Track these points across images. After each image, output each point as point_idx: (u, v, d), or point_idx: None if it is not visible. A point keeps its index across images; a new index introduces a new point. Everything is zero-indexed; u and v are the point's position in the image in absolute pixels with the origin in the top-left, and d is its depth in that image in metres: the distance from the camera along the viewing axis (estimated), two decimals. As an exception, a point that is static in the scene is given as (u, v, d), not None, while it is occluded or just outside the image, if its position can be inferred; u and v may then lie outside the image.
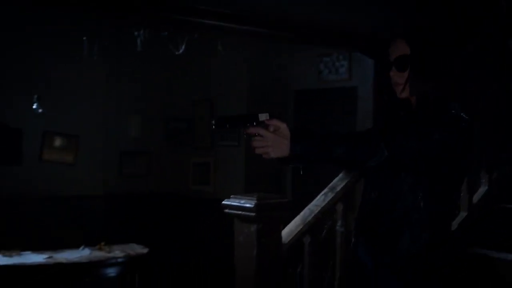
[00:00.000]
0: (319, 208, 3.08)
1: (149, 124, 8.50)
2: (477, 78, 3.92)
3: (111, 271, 5.39)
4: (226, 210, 2.86)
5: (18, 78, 7.38)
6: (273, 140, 2.18)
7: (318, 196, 3.15)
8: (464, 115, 2.36)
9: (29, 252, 5.49)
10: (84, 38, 5.17)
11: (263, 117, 2.20)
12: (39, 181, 7.68)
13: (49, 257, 5.30)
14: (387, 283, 2.42)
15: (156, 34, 5.49)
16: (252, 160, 7.24)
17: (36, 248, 5.65)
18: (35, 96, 6.51)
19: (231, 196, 2.86)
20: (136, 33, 5.19)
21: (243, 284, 2.83)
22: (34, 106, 6.49)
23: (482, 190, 3.90)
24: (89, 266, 5.28)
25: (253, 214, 2.75)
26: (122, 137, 8.43)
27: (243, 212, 2.78)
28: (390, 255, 2.39)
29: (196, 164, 8.18)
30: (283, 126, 2.20)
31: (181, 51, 5.28)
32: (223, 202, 2.87)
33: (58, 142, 7.91)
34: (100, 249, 5.64)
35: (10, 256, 5.26)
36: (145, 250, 5.76)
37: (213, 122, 2.21)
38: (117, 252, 5.59)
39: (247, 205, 2.75)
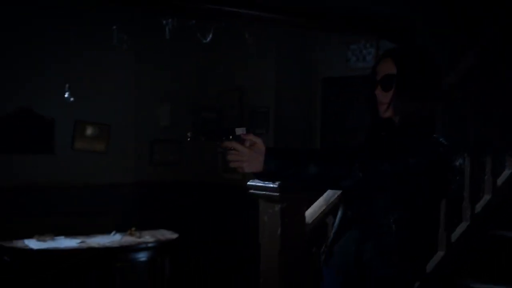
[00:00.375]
0: (342, 189, 3.14)
1: (178, 113, 8.61)
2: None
3: (142, 256, 5.51)
4: (251, 191, 2.93)
5: (51, 68, 7.54)
6: (248, 155, 2.21)
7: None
8: (443, 141, 2.38)
9: (62, 237, 5.63)
10: (114, 27, 5.26)
11: (239, 131, 2.23)
12: (71, 170, 7.85)
13: (81, 242, 5.43)
14: None
15: (184, 23, 5.57)
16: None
17: (69, 233, 5.80)
18: (67, 85, 6.64)
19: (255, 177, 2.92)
20: (164, 21, 5.28)
21: (268, 262, 2.91)
22: (66, 95, 6.62)
23: (506, 173, 3.91)
24: (120, 251, 5.40)
25: (277, 194, 2.81)
26: (153, 126, 8.55)
27: (267, 192, 2.85)
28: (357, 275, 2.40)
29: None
30: (259, 141, 2.23)
31: (208, 39, 5.36)
32: (248, 183, 2.94)
33: (89, 131, 8.06)
34: (130, 234, 5.75)
35: (44, 240, 5.40)
36: (175, 236, 5.87)
37: (189, 134, 2.28)
38: (147, 237, 5.70)
39: (271, 185, 2.82)
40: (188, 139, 2.28)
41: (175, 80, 8.42)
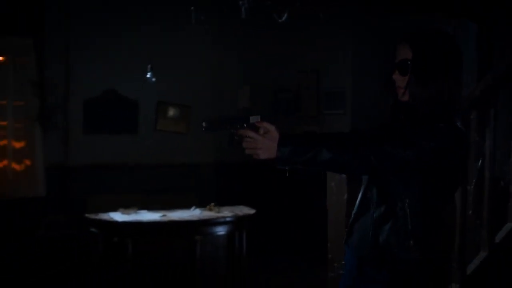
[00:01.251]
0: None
1: (257, 95, 8.77)
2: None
3: (220, 229, 5.70)
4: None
5: (134, 50, 7.85)
6: (262, 142, 2.28)
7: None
8: (460, 125, 2.36)
9: (145, 211, 5.89)
10: (192, 7, 5.45)
11: (254, 119, 2.31)
12: (154, 149, 8.16)
13: (163, 216, 5.67)
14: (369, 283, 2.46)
15: (260, 3, 5.69)
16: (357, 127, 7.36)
17: (152, 208, 6.06)
18: (149, 66, 6.90)
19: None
20: (240, 1, 5.42)
21: (334, 227, 3.02)
22: (148, 75, 6.88)
23: None
24: (199, 224, 5.61)
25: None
26: (232, 108, 8.76)
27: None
28: (372, 252, 2.43)
29: (304, 132, 8.36)
30: (272, 129, 2.30)
31: (283, 19, 5.47)
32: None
33: (171, 112, 8.34)
34: (210, 209, 5.96)
35: (128, 214, 5.68)
36: (252, 211, 6.03)
37: (204, 124, 2.33)
38: (226, 212, 5.89)
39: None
40: (203, 129, 2.33)
41: (253, 61, 8.59)
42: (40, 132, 7.54)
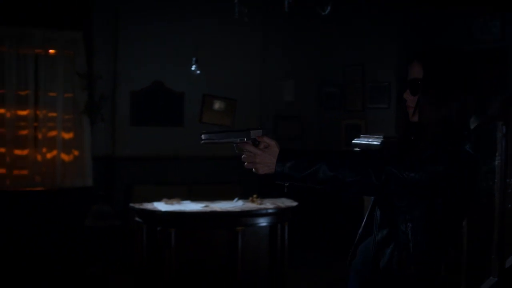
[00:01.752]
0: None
1: (302, 89, 8.79)
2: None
3: (262, 221, 5.74)
4: (356, 149, 3.06)
5: (180, 43, 7.96)
6: (261, 157, 2.29)
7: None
8: (470, 150, 2.26)
9: (188, 201, 5.98)
10: (235, 1, 5.49)
11: (255, 134, 2.30)
12: (199, 142, 8.21)
13: (205, 206, 5.74)
14: None
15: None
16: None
17: (195, 199, 6.14)
18: (194, 59, 6.98)
19: (361, 135, 3.05)
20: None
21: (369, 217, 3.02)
22: (193, 68, 6.96)
23: None
24: (241, 215, 5.66)
25: (379, 150, 2.92)
26: (277, 101, 8.79)
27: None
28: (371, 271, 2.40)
29: (347, 126, 8.36)
30: (272, 144, 2.29)
31: (327, 11, 5.47)
32: (353, 141, 3.07)
33: (217, 105, 8.40)
34: (252, 201, 6.00)
35: (172, 204, 5.76)
36: (294, 204, 6.05)
37: (202, 136, 2.36)
38: (268, 204, 5.93)
39: (374, 142, 2.94)
40: (202, 141, 2.37)
41: (298, 55, 8.60)
42: (88, 124, 7.71)
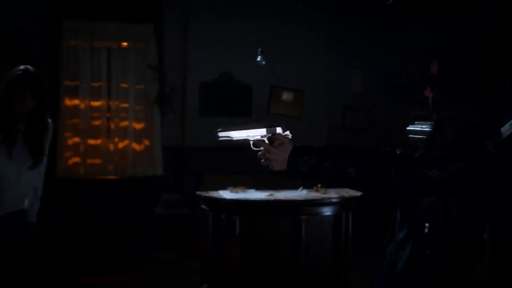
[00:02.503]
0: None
1: (370, 80, 8.74)
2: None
3: (326, 210, 5.75)
4: (410, 135, 3.04)
5: (248, 35, 8.04)
6: (275, 154, 2.35)
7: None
8: (491, 148, 2.14)
9: (253, 190, 6.06)
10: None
11: (270, 131, 2.40)
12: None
13: (269, 195, 5.81)
14: None
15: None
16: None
17: (260, 188, 6.21)
18: (259, 50, 7.04)
19: (415, 122, 3.04)
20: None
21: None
22: (258, 59, 7.03)
23: None
24: (305, 204, 5.69)
25: (433, 137, 2.89)
26: (345, 92, 8.78)
27: (424, 136, 2.96)
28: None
29: (416, 118, 8.23)
30: (286, 141, 2.36)
31: (390, 1, 5.43)
32: (407, 128, 3.05)
33: (285, 96, 8.46)
34: (316, 190, 6.02)
35: (237, 192, 5.86)
36: (359, 193, 6.04)
37: (218, 133, 2.44)
38: (332, 193, 5.94)
39: (428, 129, 2.92)
40: (219, 138, 2.45)
41: (366, 45, 8.55)
42: (158, 115, 7.92)
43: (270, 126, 2.41)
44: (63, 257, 6.92)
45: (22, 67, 3.83)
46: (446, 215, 2.22)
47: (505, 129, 2.59)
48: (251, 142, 2.43)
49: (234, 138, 2.47)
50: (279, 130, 2.41)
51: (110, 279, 6.51)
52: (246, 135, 2.45)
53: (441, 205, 2.22)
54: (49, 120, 3.98)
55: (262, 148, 2.40)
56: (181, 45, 8.09)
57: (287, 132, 2.44)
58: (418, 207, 2.27)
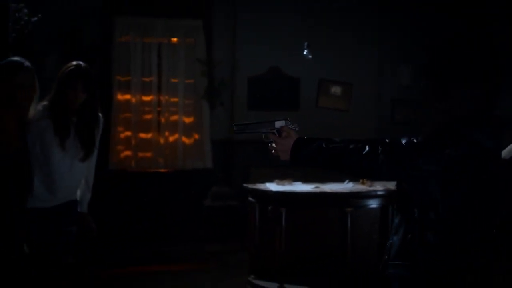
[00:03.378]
0: None
1: (419, 73, 8.67)
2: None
3: (372, 203, 5.76)
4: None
5: (295, 29, 8.10)
6: (281, 145, 2.49)
7: None
8: (483, 142, 2.22)
9: (299, 182, 6.12)
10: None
11: (279, 124, 2.55)
12: (315, 126, 8.30)
13: (315, 187, 5.86)
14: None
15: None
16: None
17: (306, 181, 6.26)
18: (305, 43, 7.09)
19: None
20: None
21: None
22: (304, 53, 7.07)
23: None
24: (351, 196, 5.72)
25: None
26: (394, 86, 8.74)
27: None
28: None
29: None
30: (292, 133, 2.51)
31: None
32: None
33: (333, 89, 8.48)
34: (362, 183, 6.04)
35: (283, 184, 5.93)
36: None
37: (235, 127, 2.63)
38: (378, 186, 5.95)
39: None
40: (235, 132, 2.64)
41: (415, 39, 8.48)
42: (207, 108, 8.03)
43: (277, 119, 2.58)
44: (115, 247, 7.11)
45: (74, 63, 3.98)
46: (432, 204, 2.29)
47: (505, 153, 2.61)
48: (263, 135, 2.58)
49: (249, 132, 2.64)
50: (285, 123, 2.57)
51: (160, 269, 6.66)
52: (259, 128, 2.61)
53: (428, 192, 2.28)
54: (99, 114, 4.13)
55: (271, 140, 2.55)
56: (229, 39, 8.18)
57: (292, 125, 2.60)
58: (408, 193, 2.36)
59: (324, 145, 2.42)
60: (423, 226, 2.31)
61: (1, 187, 3.52)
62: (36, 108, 3.84)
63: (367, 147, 2.34)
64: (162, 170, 7.97)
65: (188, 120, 8.06)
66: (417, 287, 2.36)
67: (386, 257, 2.47)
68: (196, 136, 8.06)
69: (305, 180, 6.31)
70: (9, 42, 4.68)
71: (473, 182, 2.26)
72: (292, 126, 2.58)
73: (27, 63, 3.73)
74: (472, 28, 7.55)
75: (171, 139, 8.01)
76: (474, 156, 2.22)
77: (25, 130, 3.79)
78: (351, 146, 2.38)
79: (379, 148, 2.31)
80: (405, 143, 2.35)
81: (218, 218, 7.64)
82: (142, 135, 7.93)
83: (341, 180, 6.23)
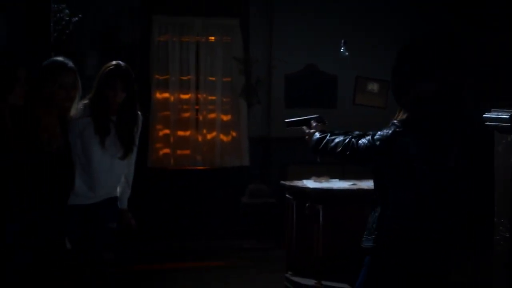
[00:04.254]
0: None
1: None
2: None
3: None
4: (487, 123, 3.06)
5: (332, 27, 8.09)
6: (308, 137, 3.21)
7: None
8: (402, 136, 2.76)
9: (337, 179, 6.11)
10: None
11: (313, 119, 3.30)
12: (352, 124, 8.29)
13: (352, 184, 5.85)
14: None
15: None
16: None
17: (343, 178, 6.26)
18: (342, 41, 7.08)
19: (492, 109, 3.05)
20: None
21: (501, 189, 3.03)
22: (341, 50, 7.07)
23: None
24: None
25: (509, 124, 2.91)
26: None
27: (501, 124, 2.97)
28: None
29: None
30: (318, 127, 3.20)
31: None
32: (483, 115, 3.07)
33: (370, 86, 8.45)
34: (399, 180, 6.02)
35: (320, 181, 5.93)
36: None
37: (286, 122, 3.49)
38: (415, 183, 5.91)
39: (504, 116, 2.93)
40: (286, 127, 3.49)
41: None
42: (245, 106, 8.07)
43: (311, 117, 3.33)
44: (153, 243, 7.21)
45: (113, 62, 4.05)
46: (376, 185, 2.97)
47: None
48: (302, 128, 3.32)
49: (294, 127, 3.44)
50: (318, 119, 3.31)
51: (197, 265, 6.73)
52: (300, 123, 3.38)
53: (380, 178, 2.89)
54: (139, 112, 4.20)
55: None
56: (266, 37, 8.21)
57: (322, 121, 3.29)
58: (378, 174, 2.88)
59: (321, 136, 3.05)
60: (384, 205, 2.81)
61: (44, 184, 3.61)
62: (78, 107, 3.93)
63: (341, 137, 2.96)
64: (200, 167, 8.03)
65: (225, 118, 8.11)
66: (378, 255, 2.85)
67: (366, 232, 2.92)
68: (234, 134, 8.11)
69: (342, 178, 6.32)
70: (51, 42, 4.78)
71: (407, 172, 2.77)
72: (322, 122, 3.30)
73: (70, 64, 3.81)
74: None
75: (209, 136, 8.07)
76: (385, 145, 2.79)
77: (67, 129, 3.87)
78: (333, 136, 3.01)
79: (349, 136, 2.93)
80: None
81: (254, 215, 7.68)
82: (180, 133, 8.00)
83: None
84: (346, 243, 5.62)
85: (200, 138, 8.03)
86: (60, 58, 3.85)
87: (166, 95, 7.96)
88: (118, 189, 4.26)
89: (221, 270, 6.54)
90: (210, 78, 8.04)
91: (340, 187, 5.74)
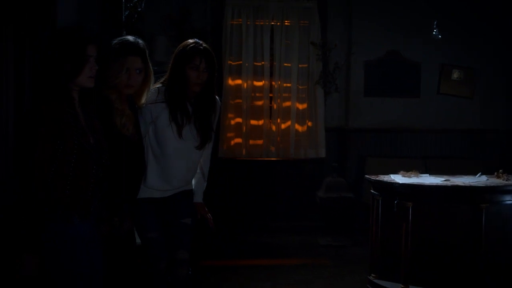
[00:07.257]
0: None
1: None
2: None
3: (510, 198, 5.22)
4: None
5: (418, 11, 7.59)
6: None
7: None
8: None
9: (427, 175, 5.65)
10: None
11: None
12: (436, 114, 7.82)
13: (445, 180, 5.36)
14: None
15: None
16: None
17: (433, 173, 5.78)
18: (435, 22, 6.58)
19: None
20: None
21: None
22: (434, 32, 6.57)
23: None
24: (486, 191, 5.18)
25: None
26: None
27: None
28: None
29: None
30: None
31: None
32: None
33: (455, 75, 7.91)
34: (498, 177, 5.51)
35: (409, 176, 5.47)
36: (549, 180, 5.44)
37: None
38: (516, 179, 5.40)
39: None
40: None
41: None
42: (322, 94, 7.66)
43: None
44: (225, 238, 6.91)
45: (191, 40, 3.68)
46: None
47: None
48: None
49: None
50: None
51: (271, 263, 6.35)
52: None
53: None
54: (217, 97, 3.81)
55: None
56: (345, 21, 7.78)
57: None
58: None
59: None
60: None
61: (116, 174, 3.23)
62: (149, 91, 3.53)
63: None
64: (273, 158, 7.69)
65: (301, 106, 7.72)
66: None
67: None
68: (310, 124, 7.72)
69: (424, 172, 5.88)
70: (123, 20, 4.43)
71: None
72: None
73: (142, 44, 3.40)
74: None
75: (283, 126, 7.71)
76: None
77: (137, 116, 3.49)
78: None
79: None
80: None
81: (331, 210, 7.28)
82: (253, 122, 7.68)
83: (469, 173, 5.72)
84: (437, 244, 5.18)
85: (274, 128, 7.67)
86: (130, 38, 3.42)
87: (239, 81, 7.63)
88: (193, 182, 3.89)
89: (297, 268, 6.14)
90: (285, 64, 7.67)
91: (432, 183, 5.25)
